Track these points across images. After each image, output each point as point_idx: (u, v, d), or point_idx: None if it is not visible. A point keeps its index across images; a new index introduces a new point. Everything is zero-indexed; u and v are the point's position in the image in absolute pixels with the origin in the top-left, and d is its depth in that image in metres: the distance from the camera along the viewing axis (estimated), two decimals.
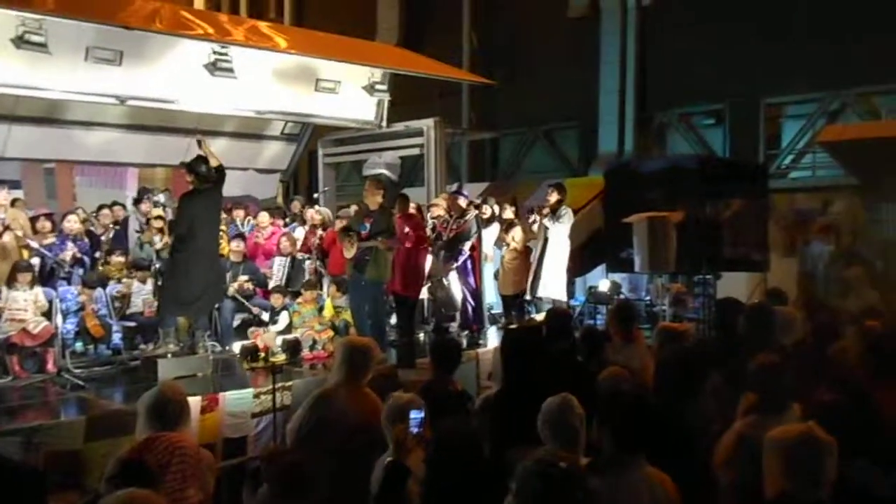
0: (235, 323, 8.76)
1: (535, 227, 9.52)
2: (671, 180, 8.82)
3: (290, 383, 6.77)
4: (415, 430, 3.29)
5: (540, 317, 8.80)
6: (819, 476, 2.48)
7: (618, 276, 10.28)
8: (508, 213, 9.95)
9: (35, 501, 3.25)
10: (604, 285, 10.16)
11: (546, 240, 9.34)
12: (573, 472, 2.21)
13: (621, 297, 9.67)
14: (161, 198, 9.12)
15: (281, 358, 7.50)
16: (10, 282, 7.28)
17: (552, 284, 9.21)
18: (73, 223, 8.57)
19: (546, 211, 9.30)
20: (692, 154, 12.48)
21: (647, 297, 9.56)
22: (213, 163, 7.47)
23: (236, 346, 7.91)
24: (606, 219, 9.37)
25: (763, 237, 8.80)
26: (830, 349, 4.50)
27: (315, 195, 11.42)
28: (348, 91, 10.83)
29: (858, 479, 2.66)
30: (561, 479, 2.18)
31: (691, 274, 8.50)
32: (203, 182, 7.40)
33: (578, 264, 9.88)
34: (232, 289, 8.63)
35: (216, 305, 8.32)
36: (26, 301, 7.22)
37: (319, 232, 9.69)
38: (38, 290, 7.37)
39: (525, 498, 2.12)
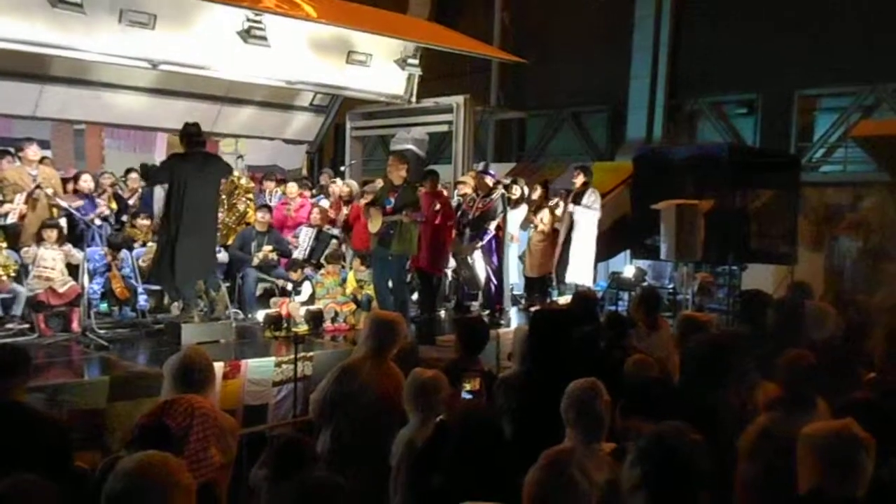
0: (258, 292, 8.79)
1: (558, 212, 9.47)
2: (701, 168, 8.76)
3: (311, 354, 6.82)
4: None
5: (563, 300, 8.79)
6: (856, 473, 2.45)
7: (642, 263, 10.22)
8: (537, 194, 9.89)
9: (61, 456, 3.27)
10: (628, 271, 10.10)
11: (572, 224, 9.30)
12: (700, 445, 2.19)
13: (646, 284, 9.61)
14: None
15: (303, 328, 7.53)
16: (38, 239, 7.34)
17: (579, 270, 9.19)
18: (88, 182, 8.61)
19: (571, 196, 9.24)
20: (723, 142, 12.34)
21: (671, 285, 9.49)
22: None
23: (259, 315, 7.97)
24: (633, 205, 9.33)
25: (792, 230, 8.73)
26: (864, 346, 4.44)
27: (341, 168, 11.39)
28: (379, 64, 10.78)
29: (893, 478, 2.63)
30: (690, 451, 2.16)
31: (717, 264, 8.43)
32: (191, 146, 7.11)
33: (602, 249, 9.83)
34: (256, 258, 8.67)
35: (239, 272, 8.37)
36: (54, 259, 7.29)
37: (344, 209, 9.69)
38: (68, 246, 7.42)
39: (651, 470, 2.10)
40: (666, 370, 4.67)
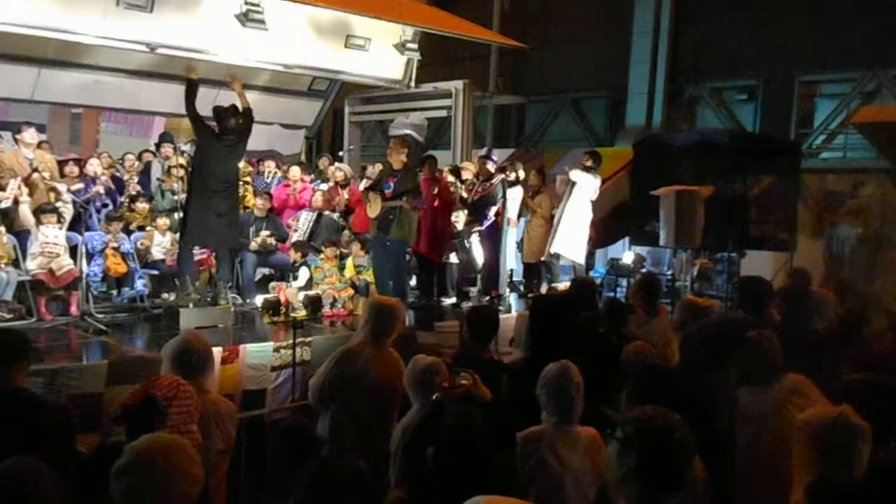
0: (257, 277, 8.78)
1: (557, 187, 9.39)
2: (701, 154, 8.73)
3: (309, 339, 6.80)
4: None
5: (563, 286, 8.78)
6: (853, 459, 2.47)
7: (641, 249, 10.22)
8: (535, 179, 9.86)
9: (63, 440, 3.27)
10: (627, 257, 10.10)
11: (570, 197, 9.21)
12: (686, 428, 2.21)
13: (645, 270, 9.61)
14: (187, 148, 9.13)
15: (302, 313, 7.52)
16: (38, 222, 7.32)
17: (569, 243, 9.06)
18: (95, 166, 8.59)
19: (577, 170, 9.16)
20: (723, 128, 12.31)
21: (670, 272, 9.49)
22: (243, 104, 7.40)
23: (258, 300, 7.96)
24: (633, 191, 9.30)
25: (791, 216, 8.72)
26: (863, 332, 4.45)
27: (340, 153, 11.35)
28: (378, 49, 10.72)
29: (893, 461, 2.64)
30: (680, 435, 2.18)
31: (716, 250, 8.43)
32: (226, 134, 7.31)
33: (602, 235, 9.82)
34: (254, 243, 8.65)
35: (237, 257, 8.38)
36: (56, 237, 7.28)
37: (343, 192, 9.67)
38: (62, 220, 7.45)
39: (645, 455, 2.12)
40: (665, 357, 4.67)
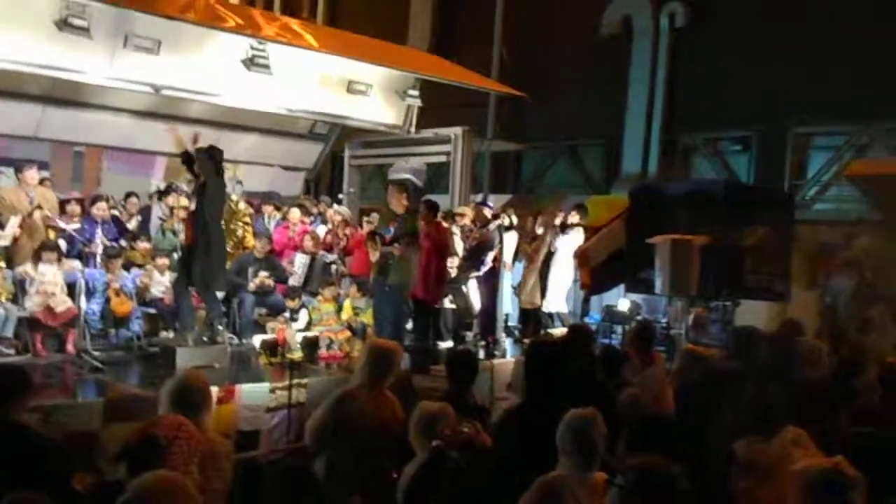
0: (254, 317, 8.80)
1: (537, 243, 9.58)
2: (696, 204, 8.81)
3: (305, 381, 6.82)
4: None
5: (557, 331, 8.82)
6: None
7: (636, 297, 10.27)
8: (532, 226, 9.97)
9: (60, 476, 3.28)
10: (623, 304, 10.15)
11: (551, 255, 9.44)
12: (684, 477, 2.23)
13: (641, 317, 9.65)
14: (187, 188, 9.20)
15: (298, 355, 7.53)
16: (37, 259, 7.35)
17: (556, 298, 9.31)
18: (101, 210, 8.63)
19: (556, 226, 9.38)
20: (718, 178, 12.45)
21: (665, 320, 9.54)
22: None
23: (256, 340, 7.98)
24: (628, 238, 9.36)
25: (785, 267, 8.76)
26: (856, 384, 4.48)
27: (339, 195, 11.45)
28: (379, 95, 10.92)
29: None
30: (677, 484, 2.20)
31: (711, 299, 8.47)
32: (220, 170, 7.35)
33: (597, 282, 9.87)
34: (253, 284, 8.69)
35: (236, 297, 8.40)
36: (55, 275, 7.30)
37: (343, 232, 9.75)
38: (68, 262, 7.44)
39: (634, 502, 2.14)
40: (660, 405, 4.70)
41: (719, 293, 8.14)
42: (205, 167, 7.28)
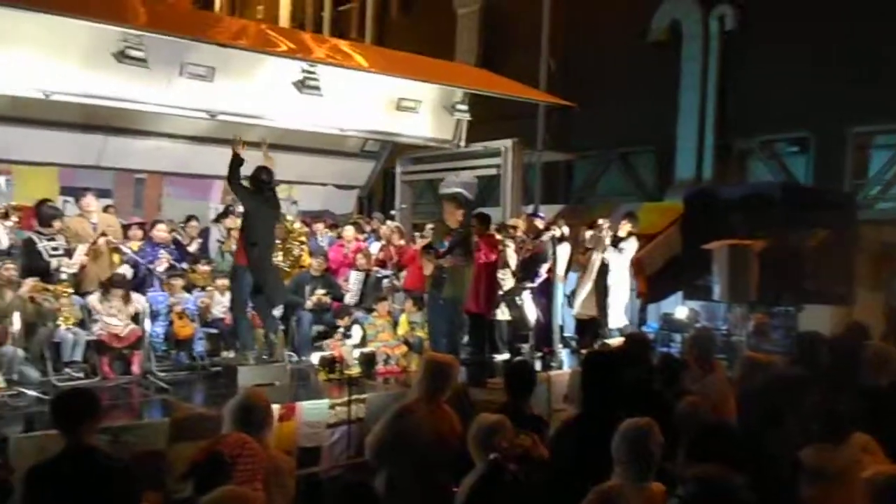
0: (312, 334, 8.92)
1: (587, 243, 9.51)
2: (753, 208, 8.69)
3: (364, 396, 6.90)
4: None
5: (614, 341, 8.74)
6: None
7: (694, 304, 10.11)
8: (586, 236, 9.92)
9: (131, 496, 3.38)
10: (681, 312, 10.00)
11: (606, 268, 9.39)
12: (746, 488, 2.22)
13: (699, 325, 9.50)
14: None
15: (356, 371, 7.62)
16: (104, 290, 7.59)
17: (618, 314, 9.28)
18: (162, 232, 8.88)
19: (607, 242, 9.33)
20: (775, 181, 12.21)
21: (725, 327, 9.37)
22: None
23: (314, 357, 8.09)
24: (684, 245, 9.26)
25: (848, 269, 8.56)
26: None
27: (391, 212, 11.54)
28: (428, 110, 11.00)
29: None
30: (738, 495, 2.19)
31: (772, 304, 8.31)
32: (264, 191, 7.53)
33: (654, 290, 9.78)
34: (310, 302, 8.83)
35: (293, 315, 8.54)
36: (119, 311, 7.52)
37: (396, 245, 9.85)
38: (133, 296, 7.64)
39: None
40: (721, 413, 4.62)
41: (779, 298, 7.98)
42: (240, 192, 7.54)
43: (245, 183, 7.53)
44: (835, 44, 11.65)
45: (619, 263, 9.44)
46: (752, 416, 3.89)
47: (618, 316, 9.41)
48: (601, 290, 9.45)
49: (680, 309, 10.17)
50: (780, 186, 10.28)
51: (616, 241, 9.43)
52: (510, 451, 3.40)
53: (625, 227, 9.40)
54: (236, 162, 7.39)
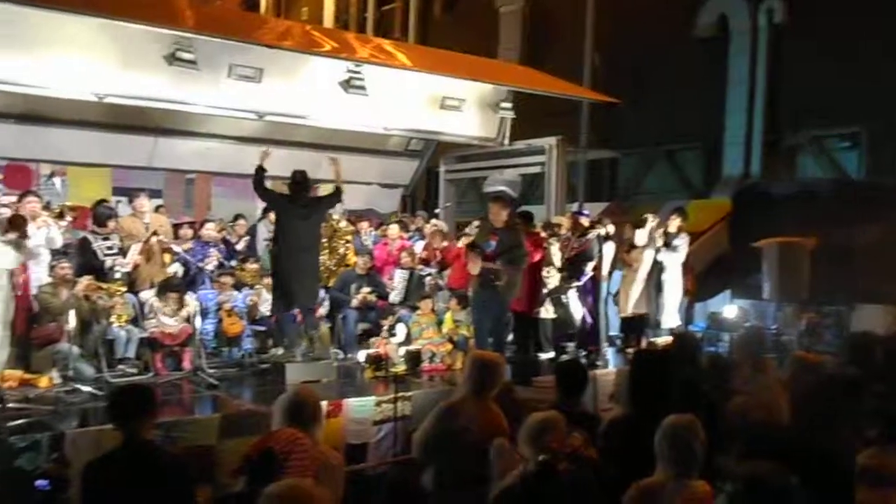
0: (357, 332, 9.00)
1: (638, 240, 9.37)
2: (804, 205, 8.54)
3: (409, 393, 6.94)
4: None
5: (662, 340, 8.66)
6: None
7: (743, 303, 9.95)
8: (630, 233, 9.81)
9: (186, 490, 3.45)
10: (729, 311, 9.84)
11: (660, 267, 9.25)
12: (797, 487, 2.19)
13: (749, 324, 9.35)
14: None
15: (402, 368, 7.67)
16: (158, 291, 7.76)
17: (672, 314, 9.15)
18: (211, 231, 9.04)
19: (660, 240, 9.19)
20: (826, 177, 11.95)
21: (775, 326, 9.20)
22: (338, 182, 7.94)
23: (360, 355, 8.16)
24: (733, 243, 9.13)
25: None
26: None
27: (436, 210, 11.57)
28: (472, 109, 11.00)
29: None
30: (789, 493, 2.16)
31: (824, 304, 8.15)
32: (299, 200, 7.67)
33: (702, 289, 9.65)
34: (355, 300, 8.90)
35: (339, 313, 8.63)
36: (174, 312, 7.68)
37: (440, 244, 9.87)
38: (186, 305, 7.79)
39: None
40: (772, 414, 4.55)
41: (831, 298, 7.82)
42: (266, 197, 7.83)
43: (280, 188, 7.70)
44: (885, 37, 11.37)
45: (673, 261, 9.25)
46: (806, 417, 3.82)
47: (671, 315, 9.27)
48: (653, 288, 9.31)
49: (728, 308, 10.01)
50: (832, 182, 10.06)
51: (668, 238, 9.28)
52: (560, 450, 3.39)
53: (674, 223, 9.26)
54: (260, 173, 7.71)
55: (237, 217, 10.11)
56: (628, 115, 14.35)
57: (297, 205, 7.63)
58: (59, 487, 5.00)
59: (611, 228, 9.71)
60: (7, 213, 7.31)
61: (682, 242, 9.25)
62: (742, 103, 13.29)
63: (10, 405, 5.96)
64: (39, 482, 4.99)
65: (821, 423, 3.78)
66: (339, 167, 8.07)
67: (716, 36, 13.61)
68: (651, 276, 9.34)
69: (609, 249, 9.53)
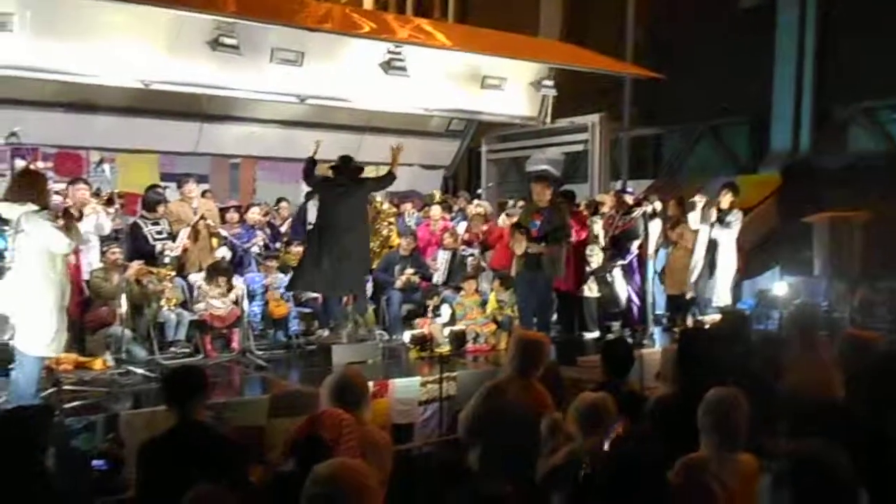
0: (402, 313, 9.05)
1: (692, 218, 9.19)
2: (855, 179, 8.34)
3: (454, 374, 6.97)
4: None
5: (710, 318, 8.55)
6: None
7: (793, 280, 9.75)
8: (675, 210, 9.67)
9: (239, 468, 3.52)
10: (779, 289, 9.64)
11: (714, 245, 9.07)
12: (849, 465, 2.16)
13: (799, 301, 9.17)
14: None
15: (446, 349, 7.70)
16: (208, 275, 7.89)
17: (725, 291, 9.00)
18: (256, 214, 9.16)
19: (715, 215, 9.00)
20: (879, 150, 11.61)
21: (826, 303, 9.00)
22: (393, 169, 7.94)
23: (405, 336, 8.22)
24: (782, 219, 8.96)
25: None
26: None
27: (478, 191, 11.55)
28: (514, 88, 10.94)
29: None
30: (843, 471, 2.13)
31: (876, 280, 7.96)
32: (339, 182, 7.67)
33: (751, 266, 9.47)
34: (399, 281, 8.95)
35: (384, 294, 8.69)
36: (223, 295, 7.81)
37: (480, 227, 9.86)
38: (234, 288, 7.91)
39: (804, 491, 2.08)
40: (824, 393, 4.47)
41: (886, 273, 7.64)
42: (312, 182, 7.90)
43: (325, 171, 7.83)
44: None
45: (727, 238, 9.05)
46: (859, 395, 3.74)
47: (724, 293, 9.10)
48: (707, 266, 9.14)
49: (778, 285, 9.81)
50: (884, 155, 9.77)
51: (721, 215, 9.08)
52: (623, 435, 3.39)
53: (726, 199, 9.06)
54: (312, 163, 7.80)
55: (280, 200, 10.21)
56: (672, 90, 14.09)
57: (336, 184, 7.67)
58: (114, 467, 5.14)
59: (658, 205, 9.58)
60: (59, 200, 7.47)
61: (736, 218, 9.02)
62: (790, 75, 12.93)
63: (66, 387, 6.12)
64: (96, 462, 5.13)
65: (874, 402, 3.70)
66: (399, 154, 8.02)
67: (762, 6, 13.25)
68: (704, 254, 9.17)
69: (655, 227, 9.40)
